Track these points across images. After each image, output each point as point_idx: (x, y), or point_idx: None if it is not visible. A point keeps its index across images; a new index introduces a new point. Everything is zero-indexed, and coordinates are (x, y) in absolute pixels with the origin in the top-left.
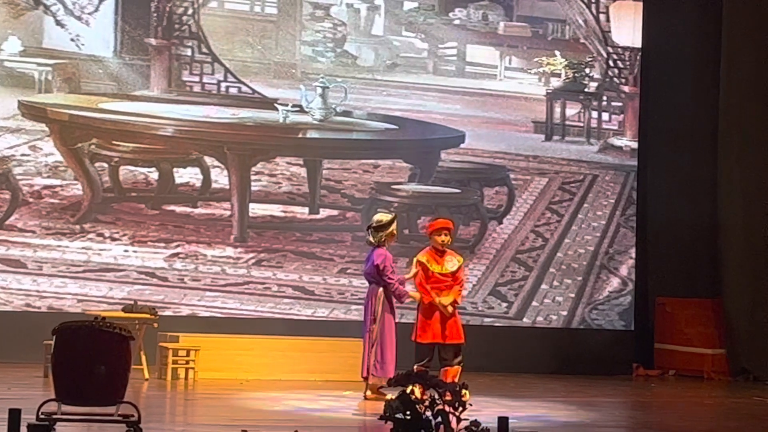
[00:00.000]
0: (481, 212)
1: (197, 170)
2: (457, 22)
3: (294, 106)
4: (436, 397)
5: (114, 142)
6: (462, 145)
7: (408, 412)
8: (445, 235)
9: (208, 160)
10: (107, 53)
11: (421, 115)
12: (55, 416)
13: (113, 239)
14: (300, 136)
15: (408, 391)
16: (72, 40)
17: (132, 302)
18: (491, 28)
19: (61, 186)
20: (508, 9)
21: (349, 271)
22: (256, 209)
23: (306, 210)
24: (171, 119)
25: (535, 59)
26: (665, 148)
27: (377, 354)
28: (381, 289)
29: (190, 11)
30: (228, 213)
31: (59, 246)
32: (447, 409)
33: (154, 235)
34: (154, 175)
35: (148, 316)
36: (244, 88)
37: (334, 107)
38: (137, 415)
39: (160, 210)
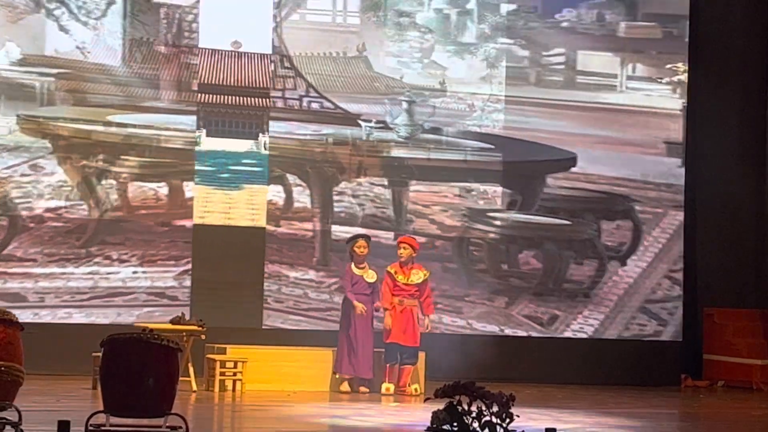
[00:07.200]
0: (598, 250)
1: (280, 188)
2: (565, 24)
3: (378, 122)
4: (483, 408)
5: (122, 158)
6: (573, 169)
7: (455, 424)
8: (404, 248)
9: (291, 178)
10: (115, 62)
11: (523, 134)
12: (103, 428)
13: (121, 261)
14: (384, 154)
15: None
16: (77, 47)
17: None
18: (609, 30)
19: (65, 207)
20: (631, 6)
21: (439, 306)
22: (338, 231)
23: (391, 235)
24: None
25: (668, 66)
26: (712, 160)
27: None
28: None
29: (273, 24)
30: (310, 234)
31: (63, 273)
32: (494, 420)
33: (163, 254)
34: (163, 190)
35: (195, 328)
36: (326, 104)
37: (421, 124)
38: (185, 426)
39: (170, 227)
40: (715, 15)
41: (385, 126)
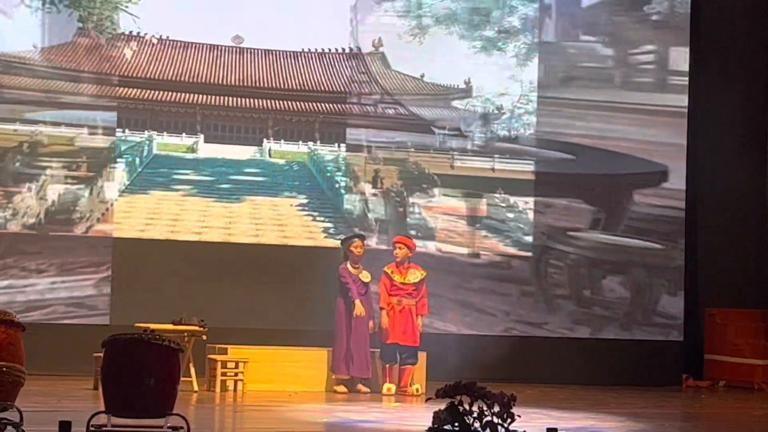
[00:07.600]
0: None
1: (357, 196)
2: (655, 17)
3: (451, 129)
4: (485, 408)
5: (41, 159)
6: (664, 184)
7: (456, 424)
8: (399, 248)
9: (368, 188)
10: (33, 53)
11: (607, 143)
12: (105, 428)
13: (39, 272)
14: (457, 163)
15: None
16: None
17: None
18: None
19: None
20: None
21: (514, 331)
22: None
23: (465, 251)
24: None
25: None
26: (713, 160)
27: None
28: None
29: (349, 29)
30: (384, 247)
31: None
32: (495, 420)
33: (83, 260)
34: (84, 192)
35: (196, 328)
36: (400, 110)
37: (497, 131)
38: (186, 426)
39: (91, 232)
40: (715, 15)
41: (459, 134)
